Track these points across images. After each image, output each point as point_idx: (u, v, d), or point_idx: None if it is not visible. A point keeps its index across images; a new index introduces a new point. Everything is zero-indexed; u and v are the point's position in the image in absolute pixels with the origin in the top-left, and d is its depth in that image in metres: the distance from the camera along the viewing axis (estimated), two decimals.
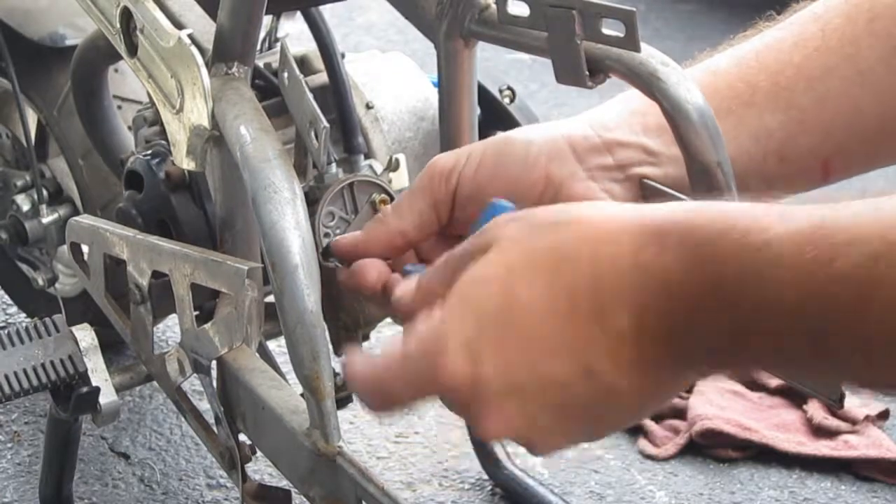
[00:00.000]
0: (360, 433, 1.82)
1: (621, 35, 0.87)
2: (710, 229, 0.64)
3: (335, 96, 1.37)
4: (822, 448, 1.79)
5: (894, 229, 0.60)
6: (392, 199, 1.15)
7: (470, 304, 0.69)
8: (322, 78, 1.41)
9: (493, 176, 0.89)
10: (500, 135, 0.92)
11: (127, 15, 1.17)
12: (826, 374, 0.68)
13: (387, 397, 0.74)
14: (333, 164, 1.16)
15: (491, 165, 0.89)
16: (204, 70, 1.08)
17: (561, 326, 0.67)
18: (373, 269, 0.89)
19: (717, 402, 1.85)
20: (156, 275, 1.16)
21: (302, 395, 1.02)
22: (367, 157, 1.39)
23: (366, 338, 1.28)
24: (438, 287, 0.73)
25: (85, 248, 1.27)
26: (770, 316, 0.62)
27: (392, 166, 1.35)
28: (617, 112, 0.92)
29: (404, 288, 0.79)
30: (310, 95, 1.03)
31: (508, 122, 1.54)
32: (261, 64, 1.37)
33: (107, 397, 1.20)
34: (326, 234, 1.09)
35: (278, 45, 1.52)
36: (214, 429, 1.18)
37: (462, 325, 0.69)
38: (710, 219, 0.65)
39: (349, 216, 1.10)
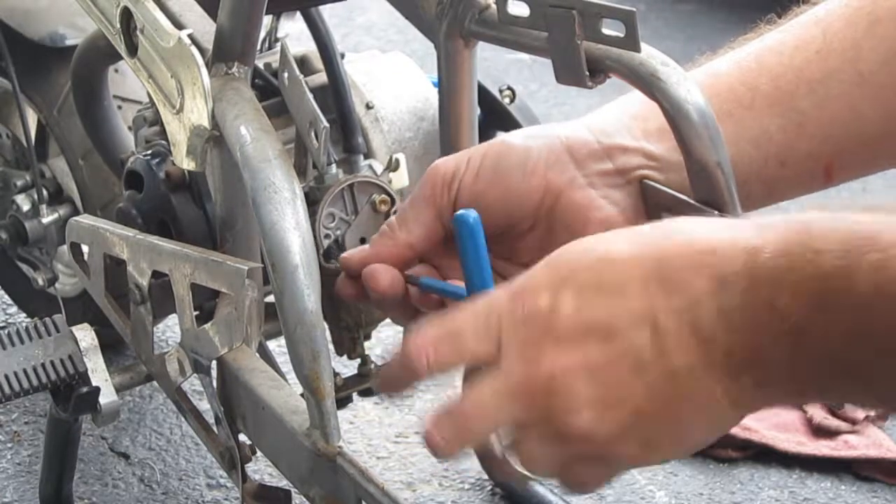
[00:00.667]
0: (360, 433, 1.82)
1: (621, 35, 0.87)
2: (804, 229, 0.65)
3: (335, 96, 1.37)
4: (822, 448, 1.79)
5: None
6: (392, 199, 1.16)
7: (564, 253, 0.72)
8: (322, 78, 1.41)
9: (492, 183, 0.89)
10: (499, 139, 0.92)
11: (127, 15, 1.17)
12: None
13: (454, 340, 0.74)
14: (333, 165, 1.16)
15: (489, 173, 0.89)
16: (204, 70, 1.08)
17: (644, 282, 0.68)
18: (386, 275, 0.89)
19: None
20: (156, 275, 1.16)
21: (302, 395, 1.02)
22: (366, 157, 1.39)
23: (367, 337, 1.28)
24: (478, 338, 0.74)
25: (85, 248, 1.27)
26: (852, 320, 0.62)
27: (392, 166, 1.35)
28: (616, 117, 0.91)
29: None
30: (310, 95, 1.03)
31: (508, 122, 1.53)
32: (261, 64, 1.37)
33: (107, 397, 1.20)
34: (327, 236, 1.09)
35: (278, 45, 1.52)
36: (214, 429, 1.18)
37: (551, 268, 0.72)
38: (804, 224, 0.66)
39: (349, 217, 1.10)
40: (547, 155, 0.89)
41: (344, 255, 0.92)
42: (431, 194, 0.90)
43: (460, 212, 0.85)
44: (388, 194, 1.14)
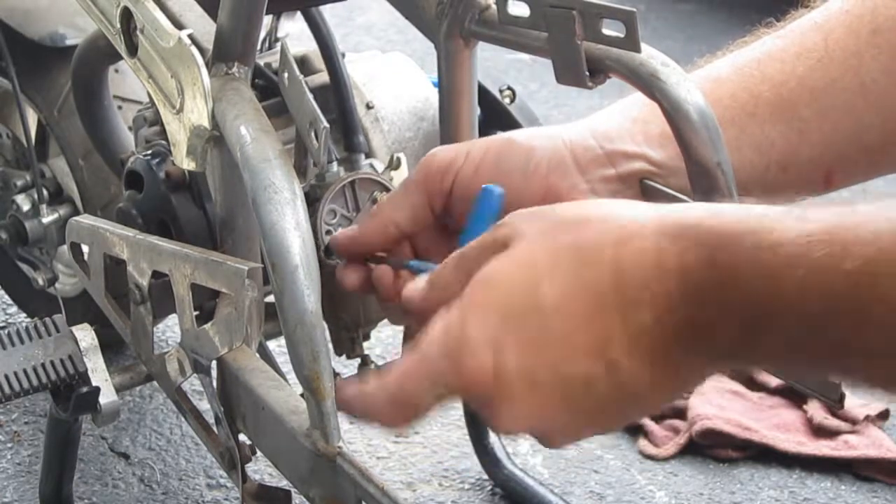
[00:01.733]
0: (360, 433, 1.82)
1: (621, 35, 0.87)
2: (726, 231, 0.66)
3: (336, 96, 1.37)
4: (822, 448, 1.79)
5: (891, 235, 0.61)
6: None
7: (491, 301, 0.70)
8: (322, 78, 1.40)
9: (493, 178, 0.89)
10: (502, 136, 0.92)
11: (127, 15, 1.17)
12: (831, 372, 0.70)
13: (407, 406, 0.75)
14: (335, 163, 1.16)
15: (491, 169, 0.89)
16: (204, 70, 1.08)
17: (584, 322, 0.68)
18: (355, 272, 0.91)
19: (717, 402, 1.85)
20: (156, 275, 1.16)
21: (302, 395, 1.02)
22: (367, 156, 1.39)
23: (366, 337, 1.28)
24: (453, 285, 0.74)
25: (85, 248, 1.27)
26: (780, 314, 0.64)
27: (394, 164, 1.35)
28: (618, 121, 0.91)
29: (413, 287, 0.80)
30: (310, 95, 1.03)
31: (508, 122, 1.54)
32: (261, 64, 1.37)
33: (107, 397, 1.20)
34: (328, 232, 1.08)
35: (278, 45, 1.52)
36: (214, 429, 1.18)
37: (484, 322, 0.70)
38: (727, 221, 0.67)
39: (351, 214, 1.10)
40: (550, 157, 0.89)
41: (333, 236, 0.93)
42: (424, 179, 0.90)
43: (489, 185, 0.85)
44: (390, 191, 1.14)
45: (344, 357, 1.31)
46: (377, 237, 0.91)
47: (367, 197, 1.11)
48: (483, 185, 0.85)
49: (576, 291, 0.68)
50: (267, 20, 1.53)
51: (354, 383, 0.77)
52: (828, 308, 0.62)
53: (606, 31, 0.88)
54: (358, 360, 1.32)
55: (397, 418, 0.76)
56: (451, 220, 0.91)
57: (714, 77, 0.92)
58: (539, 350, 0.69)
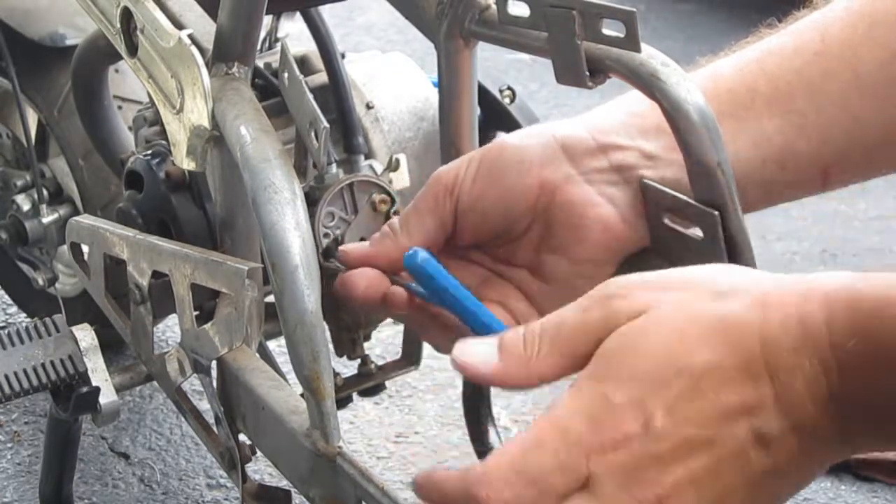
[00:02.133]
0: (360, 433, 1.82)
1: (621, 35, 0.87)
2: (878, 297, 0.64)
3: (335, 96, 1.37)
4: None
5: None
6: (392, 199, 1.15)
7: (633, 366, 0.67)
8: (322, 78, 1.41)
9: (489, 185, 0.89)
10: (496, 141, 0.93)
11: (127, 15, 1.17)
12: None
13: (534, 484, 0.66)
14: (334, 165, 1.16)
15: (486, 174, 0.90)
16: (204, 70, 1.08)
17: (735, 386, 0.65)
18: (363, 279, 0.89)
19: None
20: (156, 275, 1.16)
21: (302, 395, 1.02)
22: (367, 157, 1.39)
23: (367, 338, 1.28)
24: (555, 355, 0.70)
25: (85, 248, 1.27)
26: None
27: (392, 166, 1.35)
28: (613, 115, 0.91)
29: (475, 349, 0.74)
30: (310, 95, 1.03)
31: (508, 122, 1.53)
32: (261, 64, 1.37)
33: (107, 397, 1.20)
34: (326, 235, 1.08)
35: (278, 45, 1.52)
36: (214, 429, 1.18)
37: (628, 387, 0.66)
38: (878, 286, 0.64)
39: (349, 216, 1.10)
40: (541, 152, 0.89)
41: (343, 247, 0.93)
42: (433, 202, 0.90)
43: (407, 253, 0.85)
44: (388, 194, 1.14)
45: (344, 357, 1.32)
46: (389, 260, 0.90)
47: (365, 199, 1.12)
48: (405, 257, 0.85)
49: (724, 357, 0.65)
50: (267, 20, 1.53)
51: (453, 472, 0.69)
52: None
53: (606, 31, 0.88)
54: (358, 361, 1.32)
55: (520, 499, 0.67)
56: (458, 238, 0.92)
57: (715, 75, 0.92)
58: (687, 405, 0.65)
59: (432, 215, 0.90)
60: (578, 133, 0.90)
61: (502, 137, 0.93)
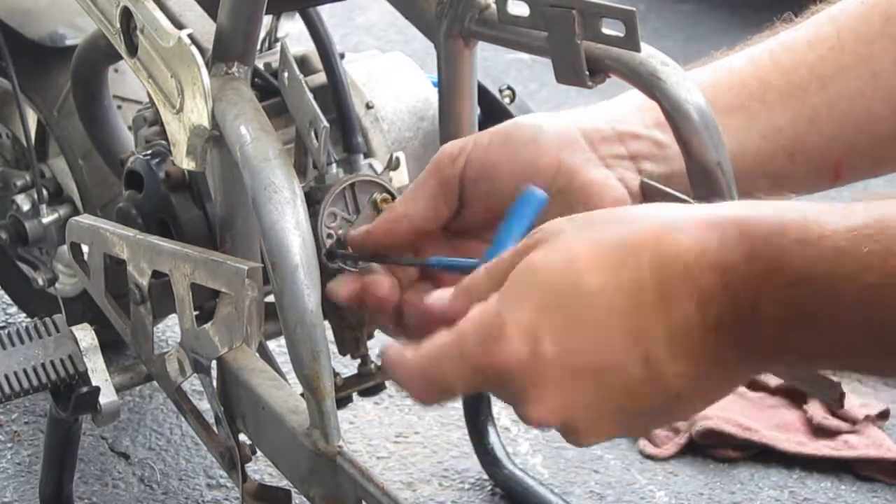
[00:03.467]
0: (360, 433, 1.82)
1: (621, 35, 0.87)
2: (769, 225, 0.66)
3: (334, 96, 1.37)
4: (822, 448, 1.79)
5: None
6: (393, 197, 1.15)
7: (530, 290, 0.70)
8: (322, 78, 1.40)
9: (502, 158, 0.89)
10: (509, 121, 0.92)
11: (127, 15, 1.16)
12: (883, 369, 0.69)
13: (436, 384, 0.74)
14: (334, 165, 1.16)
15: (501, 147, 0.89)
16: (204, 70, 1.08)
17: (624, 315, 0.67)
18: (384, 283, 0.89)
19: (717, 403, 1.85)
20: (156, 275, 1.16)
21: (302, 395, 1.02)
22: (366, 156, 1.39)
23: (370, 336, 1.28)
24: (487, 291, 0.73)
25: (85, 248, 1.27)
26: (826, 308, 0.63)
27: (392, 165, 1.34)
28: (626, 107, 0.92)
29: (439, 295, 0.78)
30: (310, 95, 1.03)
31: None
32: (261, 64, 1.37)
33: (107, 397, 1.20)
34: (329, 235, 1.08)
35: (278, 45, 1.52)
36: (214, 429, 1.18)
37: (521, 310, 0.69)
38: (769, 215, 0.66)
39: (351, 216, 1.09)
40: (559, 136, 0.89)
41: (348, 234, 0.93)
42: (435, 168, 0.90)
43: (533, 187, 0.84)
44: (390, 193, 1.14)
45: (344, 357, 1.31)
46: (390, 233, 0.90)
47: (366, 199, 1.11)
48: (526, 187, 0.84)
49: (617, 282, 0.68)
50: (267, 20, 1.53)
51: (399, 348, 0.76)
52: (879, 302, 0.62)
53: (606, 31, 0.88)
54: (358, 360, 1.32)
55: (425, 393, 0.74)
56: (466, 221, 0.91)
57: (728, 67, 0.92)
58: (577, 336, 0.68)
59: (432, 181, 0.90)
60: (595, 122, 0.90)
61: (519, 118, 0.93)
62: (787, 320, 0.65)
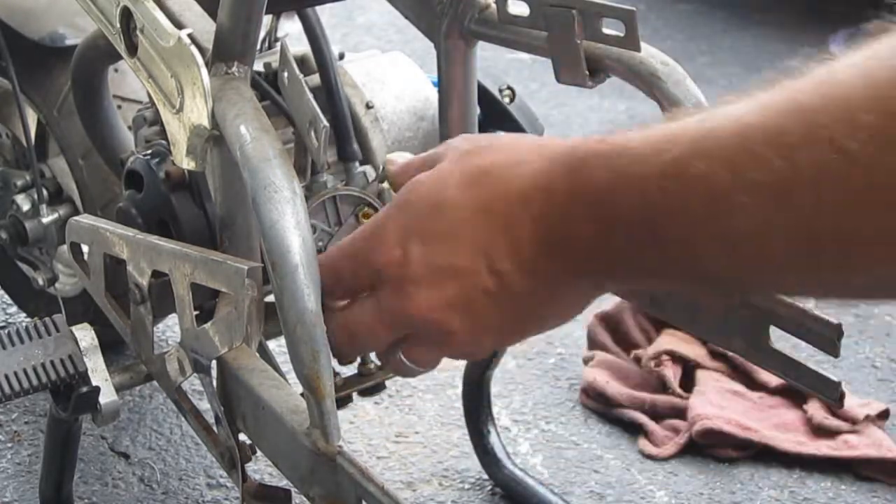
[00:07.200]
0: (360, 433, 1.82)
1: (621, 35, 0.87)
2: (586, 146, 0.73)
3: (328, 102, 1.37)
4: (822, 448, 1.79)
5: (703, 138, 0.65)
6: (377, 210, 1.16)
7: (407, 203, 0.81)
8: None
9: None
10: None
11: (127, 15, 1.17)
12: (689, 275, 0.71)
13: (336, 280, 0.87)
14: (322, 174, 1.16)
15: None
16: (204, 70, 1.08)
17: (476, 227, 0.77)
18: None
19: (717, 402, 1.85)
20: (156, 274, 1.16)
21: (302, 394, 1.02)
22: (363, 162, 1.38)
23: None
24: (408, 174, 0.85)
25: (85, 248, 1.27)
26: (632, 214, 0.69)
27: (380, 178, 1.34)
28: None
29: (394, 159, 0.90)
30: (310, 95, 1.03)
31: (508, 122, 1.54)
32: (261, 64, 1.37)
33: (107, 397, 1.20)
34: None
35: (278, 45, 1.52)
36: (214, 429, 1.18)
37: (397, 217, 0.81)
38: (588, 139, 0.74)
39: (332, 228, 1.09)
40: None
41: (388, 161, 0.96)
42: None
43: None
44: (373, 207, 1.14)
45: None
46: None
47: (350, 211, 1.11)
48: None
49: (473, 200, 0.78)
50: (267, 20, 1.53)
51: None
52: (682, 205, 0.66)
53: (606, 31, 0.88)
54: (358, 360, 1.32)
55: (328, 289, 0.88)
56: None
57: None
58: (436, 240, 0.78)
59: None
60: None
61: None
62: (595, 235, 0.71)
